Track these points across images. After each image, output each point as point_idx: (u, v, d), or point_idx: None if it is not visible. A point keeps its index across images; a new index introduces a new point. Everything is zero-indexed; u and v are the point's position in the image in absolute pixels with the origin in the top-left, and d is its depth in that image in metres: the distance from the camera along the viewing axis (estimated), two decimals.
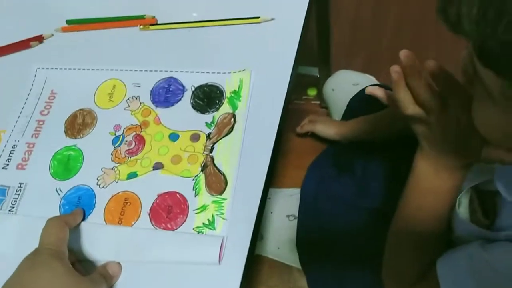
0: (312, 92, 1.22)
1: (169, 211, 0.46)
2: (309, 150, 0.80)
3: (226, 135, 0.50)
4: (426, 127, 0.40)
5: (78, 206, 0.48)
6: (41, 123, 0.54)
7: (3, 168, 0.51)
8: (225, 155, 0.48)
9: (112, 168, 0.50)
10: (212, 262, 0.42)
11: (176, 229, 0.45)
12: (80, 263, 0.44)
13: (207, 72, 0.54)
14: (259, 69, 0.53)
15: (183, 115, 0.52)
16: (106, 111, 0.54)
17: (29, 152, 0.52)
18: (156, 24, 0.60)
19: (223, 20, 0.58)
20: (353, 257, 0.61)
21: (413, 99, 0.39)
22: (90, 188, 0.49)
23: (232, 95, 0.52)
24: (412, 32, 1.34)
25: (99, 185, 0.49)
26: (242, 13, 0.58)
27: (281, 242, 0.67)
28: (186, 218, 0.45)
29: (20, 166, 0.51)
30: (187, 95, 0.53)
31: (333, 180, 0.68)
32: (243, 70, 0.53)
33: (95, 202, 0.48)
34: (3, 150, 0.53)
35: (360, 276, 0.60)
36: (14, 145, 0.53)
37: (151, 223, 0.46)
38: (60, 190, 0.49)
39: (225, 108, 0.52)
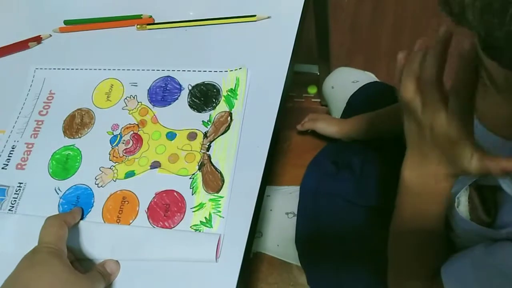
0: (312, 90, 1.22)
1: (166, 209, 0.46)
2: (308, 148, 0.80)
3: (223, 133, 0.50)
4: (415, 125, 0.37)
5: (77, 205, 0.48)
6: (40, 123, 0.55)
7: (2, 168, 0.52)
8: (222, 153, 0.49)
9: (110, 167, 0.50)
10: (209, 260, 0.42)
11: (173, 227, 0.45)
12: (79, 261, 0.44)
13: (204, 71, 0.54)
14: (255, 67, 0.54)
15: (180, 114, 0.52)
16: (104, 110, 0.54)
17: (28, 152, 0.53)
18: (153, 23, 0.61)
19: (220, 18, 0.58)
20: (352, 255, 0.61)
21: (416, 86, 0.35)
22: (89, 187, 0.49)
23: (229, 93, 0.52)
24: (411, 29, 1.34)
25: (97, 184, 0.49)
26: (238, 12, 0.58)
27: (280, 240, 0.67)
28: (184, 216, 0.46)
29: (19, 166, 0.52)
30: (184, 94, 0.54)
31: (332, 177, 0.68)
32: (240, 68, 0.53)
33: (94, 201, 0.48)
34: (3, 150, 0.53)
35: (360, 273, 0.60)
36: (14, 146, 0.53)
37: (149, 221, 0.46)
38: (59, 190, 0.50)
39: (222, 106, 0.52)
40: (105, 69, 0.57)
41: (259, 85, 0.53)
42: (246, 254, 0.43)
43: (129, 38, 0.60)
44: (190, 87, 0.54)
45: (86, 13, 0.63)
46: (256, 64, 0.54)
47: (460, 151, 0.34)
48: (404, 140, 0.44)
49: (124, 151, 0.51)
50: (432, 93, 0.33)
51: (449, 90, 0.32)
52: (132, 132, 0.52)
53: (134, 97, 0.55)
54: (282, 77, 0.52)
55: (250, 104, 0.52)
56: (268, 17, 0.57)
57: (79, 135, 0.53)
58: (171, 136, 0.51)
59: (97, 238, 0.46)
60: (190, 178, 0.48)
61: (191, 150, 0.50)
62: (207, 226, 0.45)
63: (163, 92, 0.54)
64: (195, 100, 0.53)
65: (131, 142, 0.51)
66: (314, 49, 1.02)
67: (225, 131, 0.50)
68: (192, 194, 0.47)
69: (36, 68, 0.59)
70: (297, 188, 0.69)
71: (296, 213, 0.67)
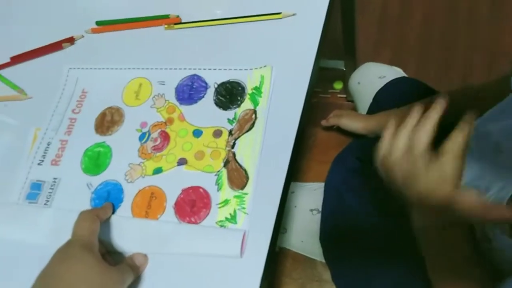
0: (338, 85, 1.21)
1: (192, 205, 0.48)
2: (333, 145, 0.79)
3: (247, 131, 0.50)
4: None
5: (107, 200, 0.50)
6: (73, 121, 0.57)
7: (38, 164, 0.54)
8: (247, 150, 0.49)
9: (139, 164, 0.52)
10: (234, 255, 0.43)
11: (199, 222, 0.46)
12: (110, 254, 0.46)
13: (229, 69, 0.55)
14: (280, 65, 0.54)
15: (206, 112, 0.53)
16: (133, 108, 0.56)
17: (62, 148, 0.55)
18: (180, 23, 0.62)
19: (245, 17, 0.59)
20: (378, 253, 0.60)
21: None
22: (118, 183, 0.51)
23: (254, 91, 0.53)
24: (442, 22, 1.29)
25: (127, 180, 0.51)
26: (264, 9, 0.59)
27: (304, 236, 0.68)
28: (209, 212, 0.47)
29: (54, 162, 0.54)
30: (210, 92, 0.55)
31: (358, 174, 0.68)
32: (265, 66, 0.54)
33: (123, 196, 0.50)
34: (39, 147, 0.56)
35: (387, 270, 0.59)
36: (49, 142, 0.56)
37: (176, 216, 0.47)
38: (91, 185, 0.52)
39: (247, 104, 0.52)
40: (134, 68, 0.59)
41: (284, 83, 0.53)
42: (270, 250, 0.44)
43: (157, 38, 0.62)
44: (216, 85, 0.55)
45: (116, 14, 0.65)
46: (281, 62, 0.54)
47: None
48: (438, 135, 0.45)
49: (152, 148, 0.52)
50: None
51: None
52: (160, 129, 0.54)
53: (162, 96, 0.56)
54: (307, 75, 0.52)
55: (274, 102, 0.52)
56: (294, 14, 0.57)
57: (110, 132, 0.55)
58: (197, 133, 0.52)
59: (127, 232, 0.47)
60: (215, 175, 0.49)
61: (216, 148, 0.50)
62: (232, 222, 0.45)
63: (189, 91, 0.55)
64: (220, 98, 0.54)
65: (159, 139, 0.53)
66: (340, 44, 1.00)
67: (250, 129, 0.50)
68: (218, 191, 0.48)
69: (70, 68, 0.61)
70: (322, 184, 0.69)
71: (320, 209, 0.67)
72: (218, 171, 0.49)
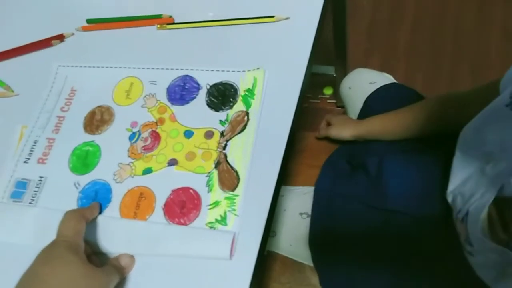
0: (328, 91, 1.22)
1: (182, 206, 0.47)
2: (324, 149, 0.80)
3: (239, 132, 0.50)
4: None
5: (95, 200, 0.49)
6: (61, 119, 0.56)
7: (24, 162, 0.53)
8: (238, 152, 0.49)
9: (128, 164, 0.51)
10: (223, 257, 0.43)
11: (189, 224, 0.46)
12: (96, 255, 0.45)
13: (222, 71, 0.55)
14: (273, 68, 0.54)
15: (197, 113, 0.53)
16: (124, 108, 0.55)
17: (49, 147, 0.54)
18: (173, 23, 0.61)
19: (239, 19, 0.59)
20: (366, 257, 0.61)
21: None
22: (107, 182, 0.50)
23: (246, 93, 0.53)
24: (430, 28, 1.32)
25: (116, 179, 0.50)
26: (257, 13, 0.59)
27: (293, 240, 0.67)
28: (199, 213, 0.46)
29: (40, 161, 0.53)
30: (202, 93, 0.54)
31: (347, 178, 0.68)
32: (257, 68, 0.54)
33: (111, 196, 0.49)
34: (25, 145, 0.54)
35: (373, 276, 0.59)
36: (36, 140, 0.55)
37: (165, 217, 0.47)
38: (78, 184, 0.51)
39: (239, 106, 0.52)
40: (125, 67, 0.58)
41: (276, 85, 0.53)
42: (260, 253, 0.44)
43: (150, 38, 0.61)
44: (208, 86, 0.55)
45: (108, 13, 0.64)
46: (274, 65, 0.54)
47: None
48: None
49: (143, 148, 0.52)
50: None
51: None
52: (150, 129, 0.53)
53: (153, 95, 0.56)
54: (299, 78, 0.53)
55: (267, 104, 0.52)
56: (287, 18, 0.58)
57: (99, 131, 0.54)
58: (188, 134, 0.52)
59: (114, 233, 0.47)
60: (206, 176, 0.48)
61: (208, 149, 0.50)
62: (222, 224, 0.45)
63: (181, 91, 0.55)
64: (212, 99, 0.54)
65: (149, 139, 0.52)
66: (330, 50, 1.01)
67: (242, 131, 0.50)
68: (208, 192, 0.47)
69: (59, 66, 0.60)
70: (312, 188, 0.69)
71: (310, 213, 0.67)
72: (209, 172, 0.49)
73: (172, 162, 0.50)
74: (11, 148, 0.54)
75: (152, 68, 0.57)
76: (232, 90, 0.54)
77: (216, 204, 0.46)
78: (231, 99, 0.53)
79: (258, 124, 0.50)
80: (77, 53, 0.62)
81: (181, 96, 0.55)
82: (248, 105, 0.52)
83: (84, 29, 0.64)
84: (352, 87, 0.82)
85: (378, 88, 0.75)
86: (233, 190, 0.47)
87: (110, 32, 0.63)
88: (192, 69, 0.56)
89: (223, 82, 0.54)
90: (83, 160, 0.52)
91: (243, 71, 0.54)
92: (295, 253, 0.69)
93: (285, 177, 0.75)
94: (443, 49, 1.28)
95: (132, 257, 0.45)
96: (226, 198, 0.47)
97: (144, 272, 0.45)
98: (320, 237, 0.64)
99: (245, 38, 0.58)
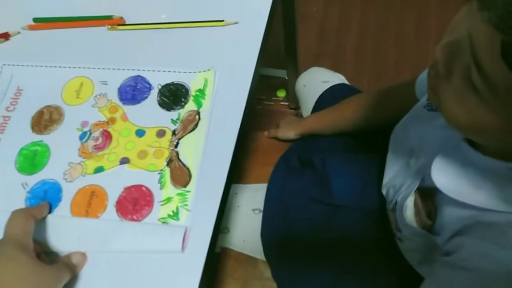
0: (281, 93, 1.26)
1: (135, 203, 0.48)
2: (275, 148, 0.83)
3: (190, 131, 0.52)
4: None
5: (45, 199, 0.49)
6: (6, 119, 0.55)
7: None
8: (190, 150, 0.51)
9: (79, 163, 0.51)
10: (175, 250, 0.44)
11: (141, 220, 0.47)
12: (46, 254, 0.45)
13: (174, 71, 0.56)
14: (223, 70, 0.56)
15: (149, 112, 0.54)
16: (74, 107, 0.55)
17: None
18: (124, 24, 0.62)
19: (190, 22, 0.61)
20: (315, 250, 0.64)
21: None
22: (57, 182, 0.50)
23: (197, 93, 0.55)
24: (375, 36, 1.41)
25: (66, 179, 0.50)
26: (208, 16, 0.61)
27: (246, 235, 0.70)
28: (152, 209, 0.47)
29: None
30: (154, 93, 0.55)
31: (297, 174, 0.71)
32: (208, 70, 0.56)
33: (62, 196, 0.49)
34: None
35: (323, 269, 0.63)
36: None
37: (117, 214, 0.47)
38: (26, 185, 0.50)
39: (190, 105, 0.54)
40: (75, 67, 0.58)
41: (226, 86, 0.55)
42: (211, 247, 0.45)
43: (100, 38, 0.61)
44: (159, 87, 0.56)
45: (57, 12, 0.63)
46: (224, 67, 0.56)
47: None
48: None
49: (94, 147, 0.52)
50: None
51: None
52: (101, 129, 0.53)
53: (104, 95, 0.56)
54: (248, 80, 0.55)
55: (217, 104, 0.54)
56: (236, 23, 0.60)
57: (48, 131, 0.54)
58: (140, 133, 0.53)
59: (64, 231, 0.47)
60: (158, 174, 0.50)
61: (159, 147, 0.51)
62: (174, 219, 0.47)
63: (133, 91, 0.56)
64: (164, 99, 0.55)
65: (100, 138, 0.53)
66: (283, 54, 1.05)
67: (193, 129, 0.52)
68: (160, 189, 0.49)
69: (4, 65, 0.59)
70: (265, 185, 0.72)
71: (262, 209, 0.70)
72: (161, 169, 0.50)
73: (124, 161, 0.51)
74: None
75: (103, 68, 0.58)
76: (184, 90, 0.55)
77: (168, 200, 0.48)
78: (183, 99, 0.55)
79: (209, 123, 0.52)
80: (24, 52, 0.61)
81: (132, 96, 0.55)
82: (199, 104, 0.54)
83: (31, 28, 0.63)
84: (306, 85, 0.86)
85: (329, 88, 0.80)
86: (185, 186, 0.48)
87: (59, 32, 0.62)
88: (143, 70, 0.57)
89: (175, 82, 0.56)
90: (31, 160, 0.52)
91: (194, 72, 0.56)
92: (248, 248, 0.71)
93: (238, 176, 0.78)
94: (387, 55, 1.37)
95: (83, 254, 0.45)
96: (178, 194, 0.48)
97: (96, 268, 0.45)
98: (272, 230, 0.67)
99: (196, 41, 0.60)
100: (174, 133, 0.52)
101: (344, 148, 0.71)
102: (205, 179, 0.49)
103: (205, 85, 0.55)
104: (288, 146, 0.80)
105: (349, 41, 1.41)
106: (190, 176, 0.49)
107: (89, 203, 0.48)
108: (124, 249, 0.45)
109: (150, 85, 0.56)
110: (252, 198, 0.73)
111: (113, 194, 0.49)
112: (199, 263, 0.44)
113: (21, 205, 0.49)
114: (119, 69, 0.57)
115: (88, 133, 0.53)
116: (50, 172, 0.51)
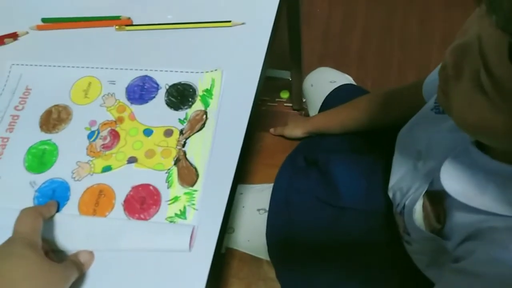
0: (284, 95, 1.26)
1: (142, 202, 0.48)
2: (280, 149, 0.83)
3: (198, 131, 0.52)
4: None
5: (53, 198, 0.49)
6: (15, 118, 0.55)
7: None
8: (197, 149, 0.51)
9: (87, 162, 0.51)
10: (183, 249, 0.44)
11: (149, 219, 0.47)
12: (54, 252, 0.45)
13: (181, 72, 0.57)
14: (230, 70, 0.56)
15: (157, 112, 0.54)
16: (82, 107, 0.56)
17: (3, 146, 0.53)
18: (132, 25, 0.62)
19: (197, 23, 0.61)
20: (320, 251, 0.64)
21: None
22: (65, 181, 0.50)
23: (205, 93, 0.55)
24: (379, 37, 1.41)
25: (74, 178, 0.50)
26: (215, 17, 0.61)
27: (251, 235, 0.70)
28: (159, 208, 0.48)
29: None
30: (161, 93, 0.56)
31: (303, 173, 0.72)
32: (215, 70, 0.56)
33: (70, 194, 0.49)
34: None
35: (327, 271, 0.63)
36: None
37: (125, 213, 0.48)
38: (35, 183, 0.50)
39: (198, 105, 0.54)
40: (83, 67, 0.58)
41: (233, 86, 0.55)
42: (217, 246, 0.46)
43: (108, 38, 0.62)
44: (167, 87, 0.56)
45: (65, 13, 0.64)
46: (231, 67, 0.57)
47: None
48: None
49: (102, 146, 0.52)
50: None
51: None
52: (109, 128, 0.54)
53: (112, 95, 0.56)
54: (255, 80, 0.55)
55: (224, 104, 0.54)
56: (243, 23, 0.60)
57: (56, 130, 0.54)
58: (148, 132, 0.53)
59: (72, 230, 0.47)
60: (166, 173, 0.50)
61: (167, 146, 0.52)
62: (182, 218, 0.47)
63: (140, 91, 0.56)
64: (172, 99, 0.55)
65: (108, 138, 0.53)
66: (287, 56, 1.06)
67: (200, 129, 0.52)
68: (168, 188, 0.49)
69: (12, 64, 0.59)
70: (270, 185, 0.72)
71: (267, 209, 0.70)
72: (169, 169, 0.50)
73: (132, 160, 0.51)
74: None
75: (111, 68, 0.58)
76: (191, 90, 0.55)
77: (175, 199, 0.48)
78: (190, 99, 0.55)
79: (216, 122, 0.53)
80: (33, 52, 0.61)
81: (140, 96, 0.56)
82: (206, 104, 0.54)
83: (39, 28, 0.63)
84: (314, 84, 0.86)
85: (336, 88, 0.80)
86: (192, 185, 0.49)
87: (68, 32, 0.63)
88: (151, 70, 0.57)
89: (182, 82, 0.56)
90: (40, 159, 0.52)
91: (202, 72, 0.56)
92: (253, 248, 0.71)
93: (243, 176, 0.78)
94: (391, 56, 1.37)
95: (91, 253, 0.45)
96: (185, 193, 0.48)
97: (103, 267, 0.45)
98: (277, 230, 0.67)
99: (203, 41, 0.60)
100: (181, 132, 0.52)
101: (350, 148, 0.71)
102: (212, 178, 0.49)
103: (212, 85, 0.55)
104: (294, 146, 0.80)
105: (353, 42, 1.41)
106: (197, 175, 0.49)
107: (97, 202, 0.49)
108: (132, 247, 0.45)
109: (157, 85, 0.56)
110: (257, 198, 0.73)
111: (121, 193, 0.49)
112: (206, 263, 0.45)
113: (30, 203, 0.49)
114: (126, 69, 0.58)
115: (96, 132, 0.53)
116: (58, 171, 0.51)
